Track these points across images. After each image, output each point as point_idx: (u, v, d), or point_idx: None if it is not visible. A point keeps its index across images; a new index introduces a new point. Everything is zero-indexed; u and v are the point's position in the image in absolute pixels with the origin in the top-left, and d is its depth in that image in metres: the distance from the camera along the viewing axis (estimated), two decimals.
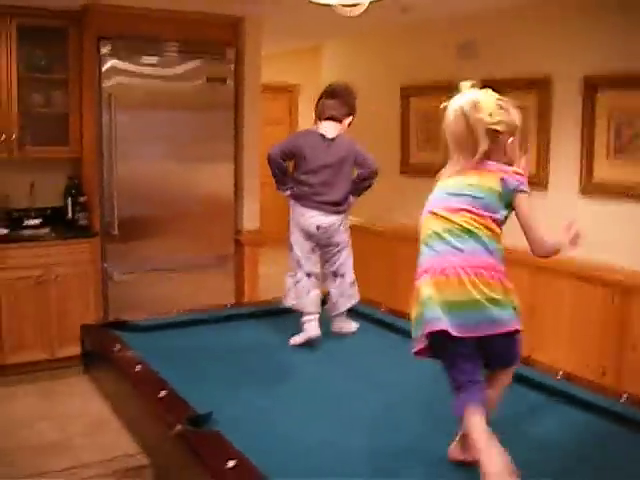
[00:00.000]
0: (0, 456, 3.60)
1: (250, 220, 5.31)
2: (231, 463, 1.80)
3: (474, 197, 1.94)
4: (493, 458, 1.72)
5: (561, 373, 2.52)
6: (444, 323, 1.83)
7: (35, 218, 5.08)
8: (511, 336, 1.91)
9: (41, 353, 4.71)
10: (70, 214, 5.10)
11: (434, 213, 1.98)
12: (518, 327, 1.90)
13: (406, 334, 2.23)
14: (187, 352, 2.84)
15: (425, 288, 1.89)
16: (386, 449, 2.00)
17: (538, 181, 4.43)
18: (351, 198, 3.23)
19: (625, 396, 2.31)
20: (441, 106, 2.00)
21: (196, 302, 4.11)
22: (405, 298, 5.11)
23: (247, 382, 2.53)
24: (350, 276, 3.21)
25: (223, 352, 2.87)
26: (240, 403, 2.33)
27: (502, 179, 1.95)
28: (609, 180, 4.12)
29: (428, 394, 2.37)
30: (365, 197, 6.03)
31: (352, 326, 3.15)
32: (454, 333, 1.82)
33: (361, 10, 2.68)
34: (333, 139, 3.08)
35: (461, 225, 1.92)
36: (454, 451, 1.95)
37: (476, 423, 1.80)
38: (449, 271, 1.87)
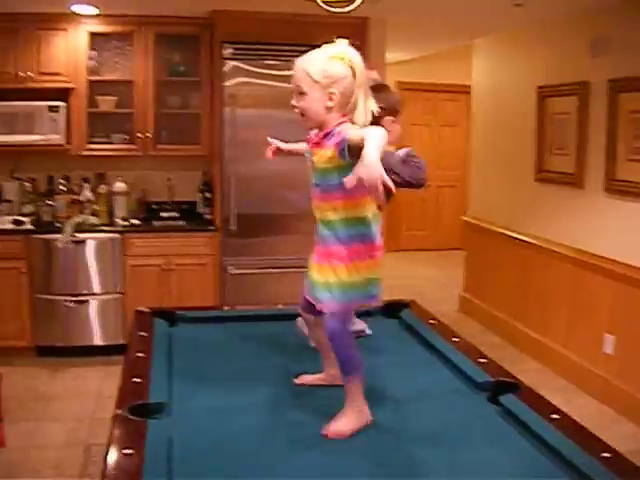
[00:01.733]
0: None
1: None
2: (128, 451, 1.88)
3: None
4: None
5: None
6: None
7: (171, 211, 5.53)
8: None
9: None
10: (200, 209, 5.51)
11: None
12: None
13: None
14: (208, 346, 2.92)
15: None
16: None
17: None
18: None
19: None
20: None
21: None
22: (535, 313, 4.93)
23: (239, 385, 2.46)
24: None
25: (241, 351, 2.89)
26: (213, 403, 2.34)
27: None
28: None
29: None
30: (500, 202, 5.81)
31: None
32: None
33: (353, 7, 2.58)
34: None
35: None
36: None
37: None
38: None
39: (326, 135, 2.05)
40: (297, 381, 2.38)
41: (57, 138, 5.01)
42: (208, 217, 5.37)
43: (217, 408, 2.25)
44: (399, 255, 9.16)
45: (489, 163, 6.09)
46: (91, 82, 5.13)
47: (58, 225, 4.99)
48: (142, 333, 2.94)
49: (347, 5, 2.54)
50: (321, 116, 2.05)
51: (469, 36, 5.89)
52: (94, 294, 5.05)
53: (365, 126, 2.02)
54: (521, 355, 5.28)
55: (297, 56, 5.38)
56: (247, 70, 4.94)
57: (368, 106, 2.05)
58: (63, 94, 5.07)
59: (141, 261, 5.09)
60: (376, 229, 2.10)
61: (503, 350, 5.42)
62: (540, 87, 5.02)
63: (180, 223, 5.34)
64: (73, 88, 5.08)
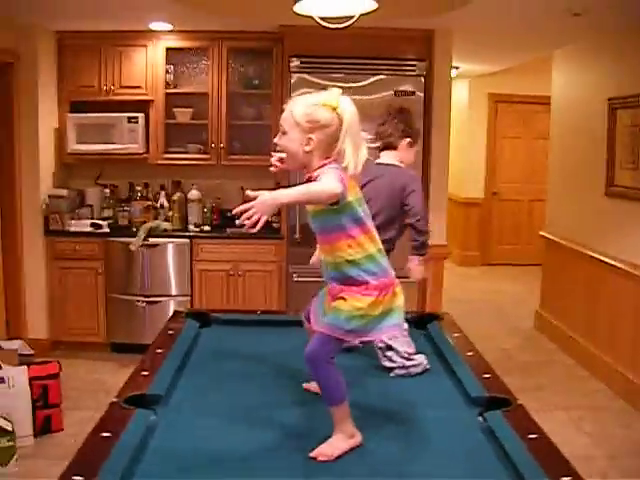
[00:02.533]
0: None
1: (436, 234, 5.28)
2: (105, 434, 2.05)
3: None
4: None
5: None
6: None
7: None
8: None
9: None
10: (271, 218, 5.69)
11: None
12: None
13: None
14: (229, 348, 3.03)
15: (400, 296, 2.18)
16: None
17: None
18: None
19: None
20: None
21: None
22: (603, 334, 4.75)
23: (244, 387, 2.54)
24: None
25: (260, 355, 2.90)
26: (210, 401, 2.41)
27: None
28: None
29: None
30: (572, 217, 5.62)
31: None
32: None
33: (350, 23, 2.65)
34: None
35: None
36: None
37: None
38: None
39: (309, 180, 2.10)
40: (305, 385, 2.46)
41: (135, 147, 5.36)
42: (276, 226, 5.56)
43: (211, 406, 2.36)
44: (488, 269, 9.03)
45: (563, 177, 5.94)
46: (168, 95, 5.46)
47: (134, 229, 5.33)
48: (170, 331, 3.14)
49: (345, 21, 2.61)
50: (299, 158, 2.09)
51: (542, 47, 5.78)
52: (164, 295, 5.35)
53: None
54: (588, 376, 5.10)
55: (362, 69, 5.46)
56: (313, 82, 5.09)
57: (359, 156, 2.07)
58: (143, 106, 5.42)
59: (209, 266, 5.34)
60: (369, 270, 2.11)
61: (571, 369, 5.26)
62: (610, 99, 4.86)
63: (251, 231, 5.53)
64: (152, 100, 5.42)
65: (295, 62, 5.07)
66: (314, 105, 2.07)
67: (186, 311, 3.48)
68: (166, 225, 5.42)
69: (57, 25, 5.22)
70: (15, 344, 4.35)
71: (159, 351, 2.84)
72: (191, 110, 5.52)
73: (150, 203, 5.50)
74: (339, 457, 2.00)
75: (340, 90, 2.11)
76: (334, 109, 2.06)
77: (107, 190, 5.57)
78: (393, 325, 2.16)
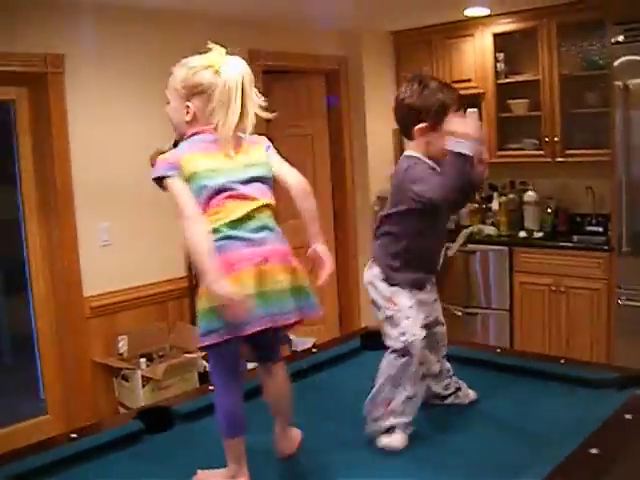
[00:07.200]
0: None
1: None
2: (73, 435, 2.36)
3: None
4: None
5: None
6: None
7: (597, 225, 5.11)
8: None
9: None
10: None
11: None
12: None
13: None
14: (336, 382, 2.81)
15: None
16: None
17: None
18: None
19: None
20: None
21: None
22: None
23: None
24: None
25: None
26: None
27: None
28: None
29: None
30: None
31: None
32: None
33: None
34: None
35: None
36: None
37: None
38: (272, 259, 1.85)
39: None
40: None
41: None
42: (600, 235, 4.92)
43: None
44: None
45: None
46: (499, 85, 5.25)
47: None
48: (314, 349, 3.20)
49: None
50: (182, 129, 1.96)
51: None
52: (481, 307, 5.23)
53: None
54: None
55: None
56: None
57: (228, 118, 1.86)
58: (474, 100, 5.27)
59: (530, 278, 5.00)
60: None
61: None
62: None
63: (600, 239, 4.90)
64: (483, 93, 5.28)
65: (618, 33, 4.33)
66: (195, 67, 1.92)
67: (364, 331, 3.43)
68: (490, 230, 5.26)
69: (389, 25, 5.52)
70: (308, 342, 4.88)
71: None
72: (527, 101, 5.19)
73: (477, 206, 5.39)
74: None
75: (224, 49, 1.92)
76: (217, 71, 1.89)
77: None
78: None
